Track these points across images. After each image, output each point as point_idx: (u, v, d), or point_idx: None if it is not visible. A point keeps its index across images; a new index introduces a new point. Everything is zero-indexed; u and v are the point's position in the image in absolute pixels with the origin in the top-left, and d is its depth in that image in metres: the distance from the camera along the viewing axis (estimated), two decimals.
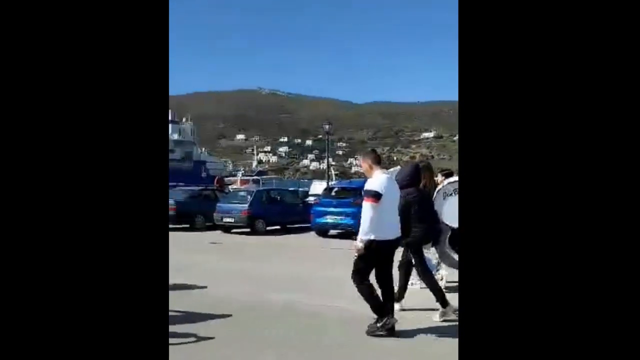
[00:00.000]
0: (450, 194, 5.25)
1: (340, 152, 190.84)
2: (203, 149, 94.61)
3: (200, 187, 18.15)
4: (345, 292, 4.72)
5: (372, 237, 4.14)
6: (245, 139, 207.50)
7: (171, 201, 14.28)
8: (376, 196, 4.16)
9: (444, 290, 5.06)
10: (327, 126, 28.44)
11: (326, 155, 31.71)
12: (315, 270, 7.67)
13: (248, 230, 13.17)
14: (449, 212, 5.06)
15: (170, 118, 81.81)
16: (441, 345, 4.02)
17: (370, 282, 4.34)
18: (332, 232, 12.72)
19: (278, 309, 5.19)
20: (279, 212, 14.19)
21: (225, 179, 34.66)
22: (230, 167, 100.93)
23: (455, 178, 5.51)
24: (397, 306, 4.84)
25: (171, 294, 5.62)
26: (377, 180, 4.30)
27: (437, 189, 5.43)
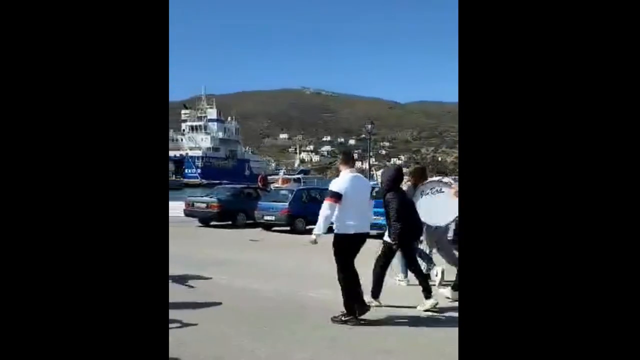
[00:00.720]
0: (427, 193, 5.68)
1: (383, 152, 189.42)
2: (247, 147, 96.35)
3: (242, 185, 18.43)
4: (367, 290, 4.90)
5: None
6: (289, 138, 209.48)
7: (214, 199, 14.68)
8: (335, 196, 4.47)
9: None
10: (369, 126, 28.37)
11: (368, 155, 31.63)
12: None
13: (288, 228, 13.29)
14: (423, 209, 5.48)
15: (215, 117, 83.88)
16: (443, 344, 3.98)
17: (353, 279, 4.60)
18: (372, 232, 12.65)
19: (298, 305, 5.27)
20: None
21: (269, 177, 35.11)
22: (273, 165, 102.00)
23: (434, 178, 6.09)
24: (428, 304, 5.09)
25: (193, 287, 5.92)
26: (340, 180, 4.59)
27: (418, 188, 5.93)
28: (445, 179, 6.13)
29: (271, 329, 4.37)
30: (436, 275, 6.19)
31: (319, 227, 4.54)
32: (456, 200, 5.32)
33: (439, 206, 5.57)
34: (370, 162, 32.41)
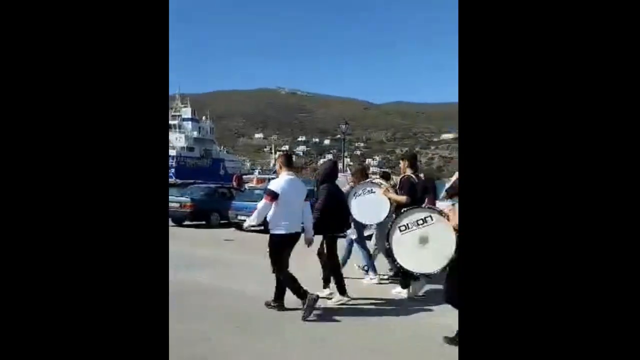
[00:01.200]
0: (360, 195, 6.32)
1: (358, 152, 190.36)
2: (222, 147, 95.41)
3: (216, 185, 18.30)
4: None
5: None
6: (264, 138, 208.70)
7: (188, 199, 14.55)
8: (271, 194, 4.75)
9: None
10: (343, 126, 28.52)
11: (342, 155, 31.79)
12: (308, 266, 7.71)
13: (262, 228, 13.29)
14: (357, 210, 6.21)
15: (190, 116, 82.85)
16: (443, 344, 3.96)
17: (290, 272, 4.82)
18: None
19: (261, 299, 5.21)
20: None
21: (244, 177, 34.93)
22: (248, 165, 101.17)
23: (370, 179, 6.74)
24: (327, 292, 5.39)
25: (176, 286, 5.64)
26: (279, 181, 4.89)
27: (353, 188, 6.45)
28: (377, 180, 6.79)
29: (259, 329, 4.28)
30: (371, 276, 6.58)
31: (251, 219, 4.93)
32: (385, 198, 5.96)
33: (371, 205, 6.23)
34: (345, 163, 32.60)
